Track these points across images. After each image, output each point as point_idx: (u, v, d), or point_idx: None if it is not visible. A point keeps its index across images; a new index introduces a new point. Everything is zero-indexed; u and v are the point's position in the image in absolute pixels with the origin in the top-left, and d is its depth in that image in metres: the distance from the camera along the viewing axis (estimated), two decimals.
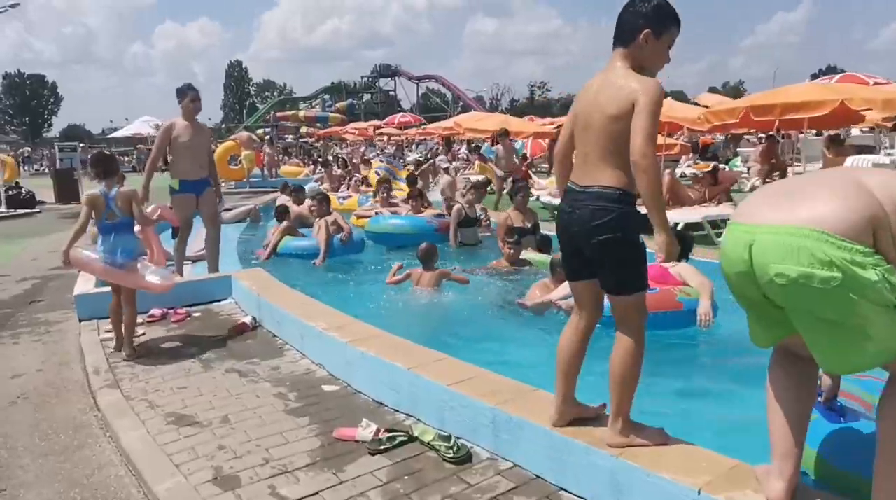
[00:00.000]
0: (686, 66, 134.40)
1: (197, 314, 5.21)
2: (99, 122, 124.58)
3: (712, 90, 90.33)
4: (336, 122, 53.75)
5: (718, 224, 7.91)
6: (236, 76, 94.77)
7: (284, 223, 8.69)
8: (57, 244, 10.28)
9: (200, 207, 6.33)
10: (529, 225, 7.51)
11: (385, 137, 35.39)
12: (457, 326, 5.12)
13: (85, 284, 5.66)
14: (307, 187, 12.47)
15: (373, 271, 7.27)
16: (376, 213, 9.46)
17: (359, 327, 3.93)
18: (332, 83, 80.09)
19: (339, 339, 3.70)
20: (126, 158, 33.63)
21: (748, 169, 13.98)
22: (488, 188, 11.61)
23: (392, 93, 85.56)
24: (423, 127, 27.40)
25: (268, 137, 20.32)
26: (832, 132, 14.33)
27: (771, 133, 13.47)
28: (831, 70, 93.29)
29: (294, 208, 9.63)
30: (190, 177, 6.29)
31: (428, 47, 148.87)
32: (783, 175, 13.71)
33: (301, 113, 62.12)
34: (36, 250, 9.44)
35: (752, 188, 13.05)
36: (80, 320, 5.09)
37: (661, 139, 11.56)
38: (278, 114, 66.71)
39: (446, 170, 14.39)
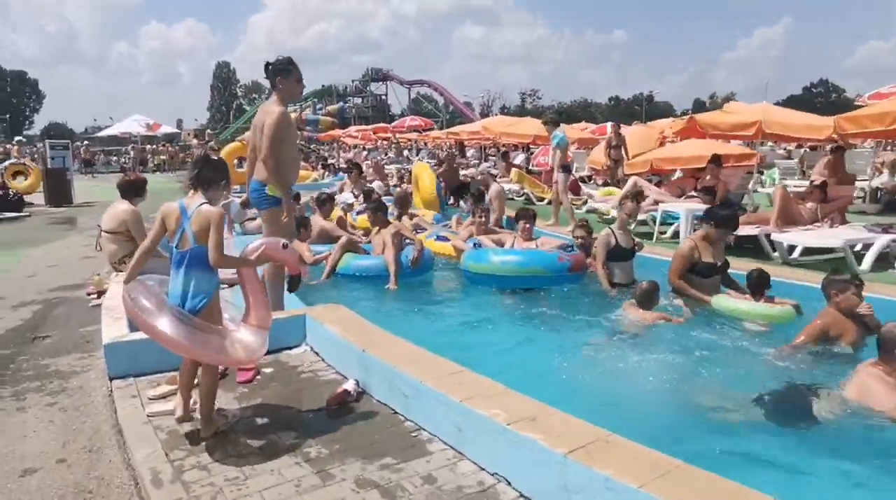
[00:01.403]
0: (669, 78, 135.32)
1: (267, 370, 3.89)
2: (82, 120, 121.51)
3: (698, 103, 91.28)
4: (327, 125, 52.46)
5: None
6: (224, 77, 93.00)
7: (345, 238, 7.35)
8: (56, 256, 9.17)
9: None
10: (717, 262, 5.53)
11: (385, 142, 34.23)
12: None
13: (114, 323, 4.29)
14: (338, 197, 11.21)
15: (458, 297, 6.28)
16: (476, 245, 6.65)
17: (554, 415, 2.64)
18: (323, 86, 78.59)
19: (537, 440, 2.41)
20: (114, 158, 32.05)
21: (811, 182, 12.87)
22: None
23: (383, 97, 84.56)
24: (442, 131, 25.99)
25: None
26: None
27: (839, 143, 12.38)
28: (822, 84, 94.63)
29: (318, 222, 8.16)
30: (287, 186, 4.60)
31: (416, 53, 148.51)
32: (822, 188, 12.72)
33: (292, 115, 60.79)
34: (32, 265, 8.04)
35: None
36: (111, 379, 3.76)
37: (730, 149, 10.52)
38: None
39: (494, 178, 12.65)
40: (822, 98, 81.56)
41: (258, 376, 3.78)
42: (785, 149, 21.26)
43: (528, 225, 6.59)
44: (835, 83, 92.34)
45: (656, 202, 9.08)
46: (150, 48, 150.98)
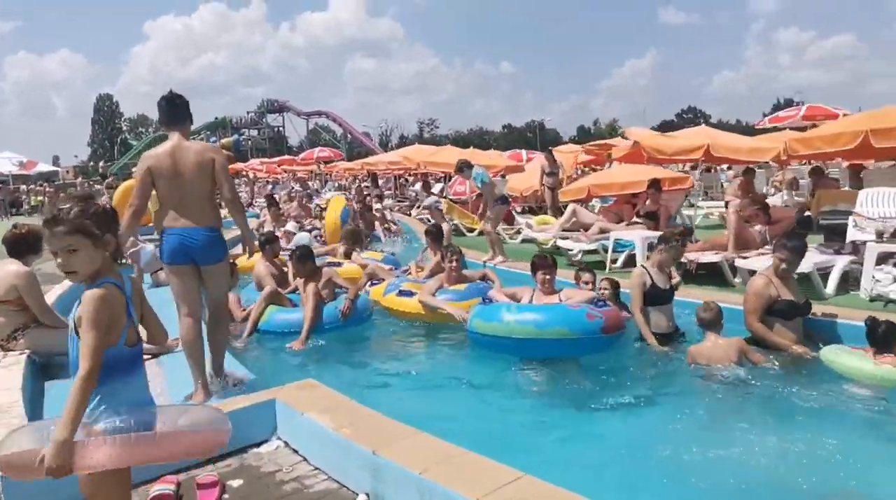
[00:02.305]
0: (552, 106, 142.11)
1: (235, 482, 2.99)
2: None
3: (583, 130, 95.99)
4: None
5: None
6: (106, 111, 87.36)
7: (268, 288, 6.47)
8: None
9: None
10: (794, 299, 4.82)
11: (289, 174, 32.91)
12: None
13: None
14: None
15: (400, 351, 5.63)
16: (486, 299, 5.45)
17: None
18: (216, 118, 75.60)
19: None
20: None
21: (726, 203, 13.21)
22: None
23: (280, 129, 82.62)
24: (355, 162, 25.08)
25: None
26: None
27: (751, 166, 12.78)
28: (692, 110, 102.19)
29: (262, 268, 7.19)
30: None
31: (309, 85, 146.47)
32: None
33: None
34: None
35: None
36: None
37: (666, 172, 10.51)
38: None
39: (441, 214, 11.69)
40: (692, 124, 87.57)
41: (225, 495, 2.89)
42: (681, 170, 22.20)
43: (548, 276, 5.26)
44: (702, 109, 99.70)
45: (602, 231, 8.79)
46: (16, 78, 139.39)
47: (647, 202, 9.44)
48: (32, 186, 27.84)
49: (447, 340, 5.79)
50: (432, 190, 16.75)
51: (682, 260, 7.21)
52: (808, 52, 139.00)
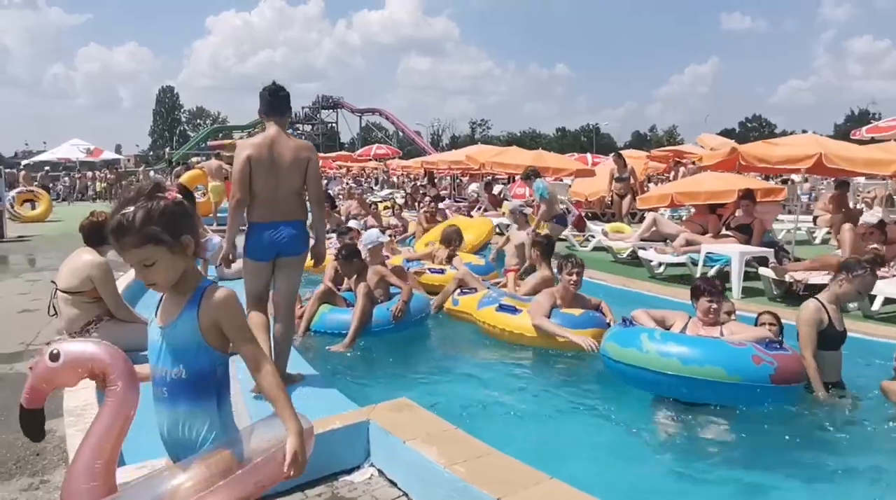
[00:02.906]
0: (606, 112, 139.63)
1: None
2: (11, 144, 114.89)
3: (638, 135, 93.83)
4: None
5: None
6: (167, 102, 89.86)
7: (322, 287, 6.15)
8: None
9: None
10: None
11: (344, 170, 32.96)
12: None
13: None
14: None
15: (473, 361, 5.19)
16: (627, 321, 4.48)
17: None
18: None
19: None
20: (51, 185, 29.59)
21: (814, 218, 12.34)
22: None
23: (333, 125, 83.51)
24: (414, 160, 24.80)
25: None
26: None
27: (845, 178, 11.89)
28: (756, 119, 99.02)
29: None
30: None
31: (362, 83, 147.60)
32: (855, 224, 12.24)
33: (238, 142, 58.89)
34: None
35: (824, 241, 11.47)
36: None
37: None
38: (211, 142, 63.36)
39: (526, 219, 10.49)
40: (756, 132, 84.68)
41: None
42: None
43: (714, 305, 4.24)
44: (766, 118, 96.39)
45: (688, 243, 8.19)
46: (87, 70, 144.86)
47: (738, 214, 8.79)
48: (98, 173, 28.55)
49: (522, 356, 5.30)
50: (493, 191, 16.29)
51: (787, 279, 6.60)
52: (881, 62, 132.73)
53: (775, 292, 6.83)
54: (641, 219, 14.75)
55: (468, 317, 5.97)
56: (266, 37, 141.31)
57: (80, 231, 4.51)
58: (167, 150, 34.20)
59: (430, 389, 4.32)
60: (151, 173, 36.73)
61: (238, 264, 8.12)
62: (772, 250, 7.34)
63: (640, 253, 8.46)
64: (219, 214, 15.42)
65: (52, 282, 4.41)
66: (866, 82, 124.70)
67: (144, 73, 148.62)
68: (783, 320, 5.83)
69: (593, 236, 11.05)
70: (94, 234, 4.45)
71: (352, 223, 12.62)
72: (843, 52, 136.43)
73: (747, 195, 8.38)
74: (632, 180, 13.35)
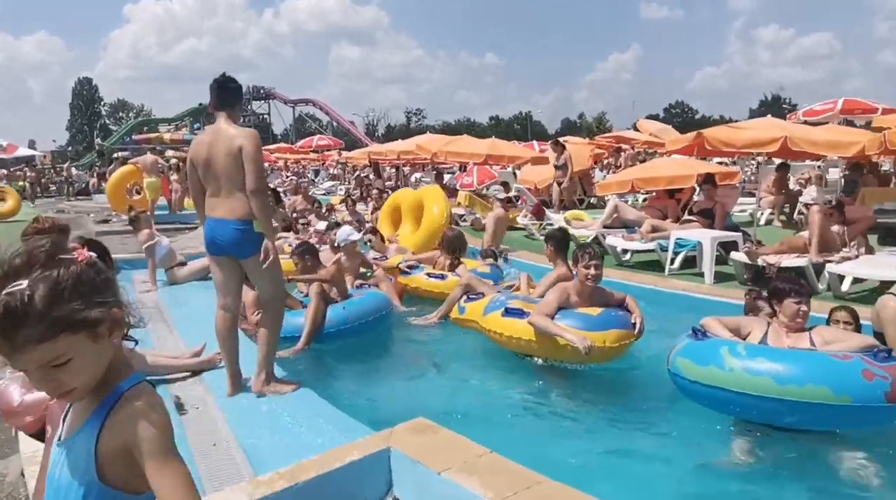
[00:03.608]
0: (535, 99, 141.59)
1: None
2: None
3: (568, 122, 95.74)
4: None
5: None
6: (85, 95, 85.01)
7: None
8: None
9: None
10: None
11: (281, 162, 31.97)
12: None
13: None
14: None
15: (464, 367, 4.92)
16: (698, 332, 3.76)
17: None
18: (200, 104, 73.70)
19: None
20: None
21: (758, 200, 12.65)
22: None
23: (265, 116, 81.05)
24: (358, 151, 24.09)
25: (174, 161, 16.49)
26: None
27: (784, 161, 12.23)
28: (679, 105, 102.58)
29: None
30: None
31: (292, 72, 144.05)
32: (793, 207, 12.64)
33: (166, 135, 56.57)
34: None
35: (767, 222, 11.78)
36: None
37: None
38: (136, 136, 60.45)
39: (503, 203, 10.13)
40: (679, 118, 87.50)
41: None
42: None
43: (803, 307, 3.60)
44: (689, 104, 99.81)
45: (654, 229, 8.17)
46: None
47: (696, 198, 8.85)
48: (14, 170, 26.56)
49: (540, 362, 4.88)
50: (443, 182, 16.01)
51: (759, 263, 6.63)
52: (787, 50, 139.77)
53: (745, 277, 6.87)
54: (588, 206, 14.90)
55: (475, 326, 5.26)
56: (189, 25, 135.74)
57: (22, 240, 3.96)
58: (97, 141, 32.33)
59: (439, 403, 3.99)
60: (74, 170, 34.60)
61: (189, 268, 7.66)
62: (740, 234, 7.39)
63: (607, 240, 8.38)
64: (156, 212, 14.57)
65: None
66: (773, 69, 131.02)
67: (56, 65, 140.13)
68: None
69: (552, 225, 10.96)
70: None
71: (320, 225, 12.00)
72: (752, 39, 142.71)
73: (708, 180, 8.42)
74: (569, 168, 13.28)
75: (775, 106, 73.68)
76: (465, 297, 5.71)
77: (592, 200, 16.00)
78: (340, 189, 23.24)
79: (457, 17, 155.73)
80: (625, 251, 8.45)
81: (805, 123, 13.96)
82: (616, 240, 8.23)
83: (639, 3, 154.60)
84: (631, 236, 8.21)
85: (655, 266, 8.01)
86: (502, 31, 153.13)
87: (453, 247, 6.95)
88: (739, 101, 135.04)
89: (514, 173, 14.56)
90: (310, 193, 16.38)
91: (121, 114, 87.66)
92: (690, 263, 7.68)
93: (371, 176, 21.26)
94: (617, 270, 7.85)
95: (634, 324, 4.54)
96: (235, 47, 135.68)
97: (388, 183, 21.34)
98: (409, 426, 2.92)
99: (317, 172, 31.84)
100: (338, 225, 7.20)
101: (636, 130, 20.92)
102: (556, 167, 13.42)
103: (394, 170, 22.60)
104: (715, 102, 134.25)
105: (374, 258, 7.37)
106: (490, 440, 2.79)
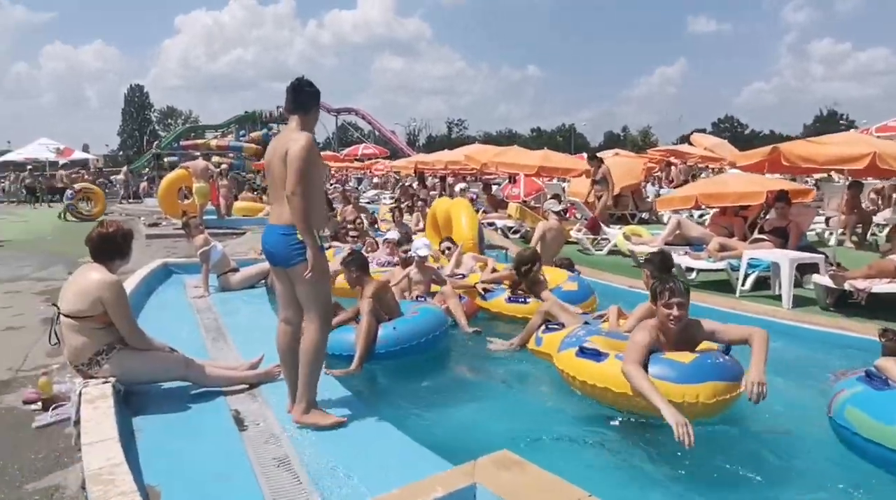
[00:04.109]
0: (577, 113, 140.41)
1: None
2: None
3: (611, 135, 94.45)
4: (251, 152, 50.18)
5: None
6: (137, 102, 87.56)
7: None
8: None
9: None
10: None
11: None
12: None
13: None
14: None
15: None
16: (873, 375, 3.30)
17: None
18: (246, 112, 75.15)
19: None
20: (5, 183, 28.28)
21: (826, 219, 12.04)
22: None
23: None
24: (404, 160, 23.97)
25: (223, 166, 16.61)
26: None
27: (858, 179, 11.60)
28: (728, 120, 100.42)
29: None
30: (318, 226, 3.59)
31: (335, 82, 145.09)
32: (866, 227, 11.99)
33: (213, 142, 57.80)
34: None
35: (839, 243, 11.16)
36: None
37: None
38: (184, 142, 61.86)
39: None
40: (728, 133, 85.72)
41: None
42: None
43: None
44: (738, 119, 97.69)
45: (723, 247, 7.74)
46: (52, 69, 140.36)
47: (769, 216, 8.38)
48: (71, 173, 27.27)
49: None
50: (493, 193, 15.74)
51: (846, 288, 6.17)
52: (842, 64, 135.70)
53: (827, 302, 6.41)
54: (640, 221, 14.45)
55: (551, 361, 4.61)
56: (237, 36, 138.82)
57: (86, 244, 3.84)
58: (155, 143, 33.17)
59: (512, 434, 3.61)
60: (121, 176, 35.43)
61: (242, 275, 7.54)
62: (822, 256, 6.93)
63: (678, 259, 7.97)
64: (204, 217, 14.64)
65: (54, 305, 3.73)
66: (826, 84, 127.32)
67: (111, 73, 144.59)
68: (849, 334, 5.46)
69: (607, 239, 10.59)
70: (104, 247, 3.79)
71: (390, 234, 11.73)
72: (804, 54, 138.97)
73: (781, 197, 7.96)
74: (609, 182, 12.85)
75: (831, 121, 71.50)
76: (544, 326, 5.12)
77: (644, 215, 15.63)
78: (384, 197, 23.18)
79: (499, 29, 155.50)
80: (689, 270, 8.04)
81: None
82: (682, 259, 7.83)
83: (686, 17, 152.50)
84: (697, 255, 7.80)
85: (722, 287, 7.59)
86: (545, 44, 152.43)
87: (523, 263, 6.18)
88: (789, 117, 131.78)
89: (563, 187, 14.15)
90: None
91: (169, 120, 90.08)
92: (762, 284, 7.25)
93: (415, 185, 21.12)
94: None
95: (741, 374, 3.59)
96: (280, 56, 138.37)
97: (431, 192, 21.22)
98: (494, 460, 2.64)
99: (360, 181, 31.96)
100: (409, 239, 6.81)
101: (690, 144, 20.33)
102: (595, 182, 13.08)
103: (438, 180, 22.43)
104: (763, 117, 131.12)
105: (452, 275, 6.97)
106: (580, 481, 2.49)
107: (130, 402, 3.80)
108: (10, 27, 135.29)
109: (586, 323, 5.07)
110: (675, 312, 3.67)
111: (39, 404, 4.08)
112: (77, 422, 3.44)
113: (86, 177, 19.56)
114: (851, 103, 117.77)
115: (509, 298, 6.22)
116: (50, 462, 3.37)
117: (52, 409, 3.97)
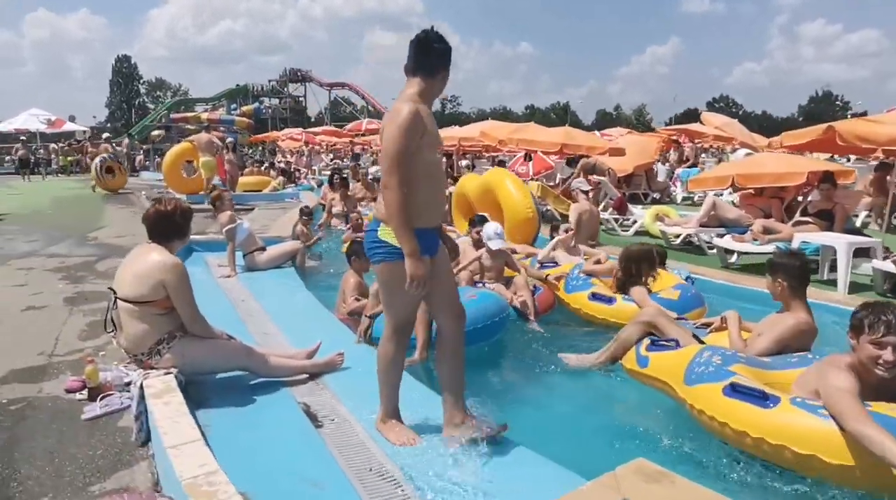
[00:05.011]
0: (569, 91, 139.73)
1: None
2: None
3: (604, 114, 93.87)
4: (242, 126, 49.39)
5: None
6: (125, 72, 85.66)
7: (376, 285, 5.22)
8: None
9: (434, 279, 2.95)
10: None
11: (322, 146, 31.58)
12: None
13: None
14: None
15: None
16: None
17: None
18: (237, 86, 74.02)
19: None
20: (7, 157, 27.47)
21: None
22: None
23: (301, 99, 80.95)
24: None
25: (229, 140, 16.08)
26: None
27: (886, 159, 11.35)
28: (723, 99, 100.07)
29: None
30: (431, 222, 2.93)
31: (326, 56, 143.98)
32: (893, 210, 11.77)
33: (203, 115, 56.85)
34: None
35: (864, 225, 10.97)
36: None
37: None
38: (174, 115, 61.02)
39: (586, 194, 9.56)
40: (723, 113, 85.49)
41: None
42: None
43: None
44: (733, 99, 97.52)
45: (766, 229, 7.49)
46: (36, 38, 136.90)
47: (811, 198, 8.15)
48: (62, 145, 26.51)
49: None
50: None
51: None
52: (832, 46, 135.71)
53: (885, 288, 6.19)
54: (653, 201, 14.17)
55: (667, 390, 3.69)
56: (226, 6, 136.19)
57: (143, 222, 3.49)
58: (127, 133, 32.48)
59: (622, 442, 3.33)
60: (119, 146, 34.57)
61: (269, 254, 7.20)
62: (879, 240, 6.69)
63: (716, 240, 7.74)
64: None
65: (110, 289, 3.38)
66: (816, 66, 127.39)
67: (97, 42, 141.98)
68: None
69: (634, 221, 10.32)
70: (164, 226, 3.44)
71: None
72: (796, 35, 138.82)
73: (827, 178, 7.70)
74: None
75: (826, 102, 71.43)
76: (647, 341, 4.17)
77: (656, 194, 15.37)
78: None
79: (491, 5, 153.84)
80: (729, 252, 7.80)
81: None
82: (725, 241, 7.57)
83: None
84: (741, 237, 7.54)
85: (762, 270, 7.36)
86: (537, 22, 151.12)
87: (631, 260, 5.35)
88: (781, 97, 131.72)
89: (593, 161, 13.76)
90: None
91: (158, 93, 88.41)
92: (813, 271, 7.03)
93: None
94: (723, 272, 7.22)
95: None
96: (270, 29, 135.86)
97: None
98: (634, 470, 2.36)
99: (357, 156, 31.39)
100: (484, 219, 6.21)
101: (701, 122, 20.00)
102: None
103: (444, 157, 22.00)
104: (754, 98, 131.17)
105: (543, 264, 6.49)
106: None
107: (190, 393, 3.49)
108: None
109: (697, 339, 4.13)
110: (889, 355, 2.77)
111: (84, 392, 3.79)
112: (138, 416, 3.14)
113: (109, 149, 18.96)
114: (841, 86, 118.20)
115: (593, 294, 5.45)
116: (110, 460, 3.09)
117: (101, 399, 3.67)
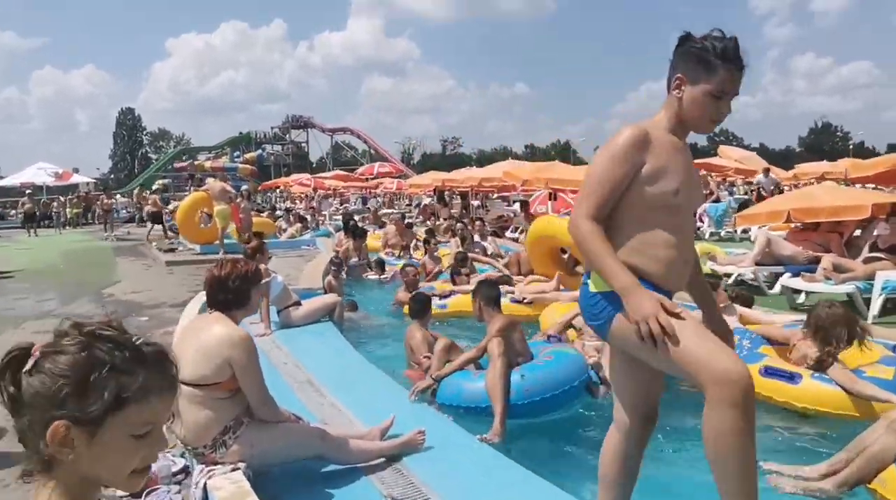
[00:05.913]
0: (567, 129, 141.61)
1: None
2: None
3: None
4: (246, 173, 49.59)
5: None
6: (128, 124, 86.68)
7: (443, 342, 4.68)
8: None
9: None
10: None
11: (332, 191, 31.36)
12: None
13: None
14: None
15: None
16: None
17: None
18: (241, 133, 74.82)
19: None
20: (13, 211, 27.18)
21: None
22: None
23: (303, 145, 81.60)
24: (423, 176, 22.88)
25: (244, 188, 15.71)
26: None
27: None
28: (724, 133, 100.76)
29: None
30: (672, 281, 2.14)
31: (325, 103, 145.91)
32: None
33: (207, 163, 57.17)
34: None
35: None
36: None
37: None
38: (177, 165, 61.44)
39: None
40: (724, 145, 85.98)
41: None
42: None
43: None
44: (733, 132, 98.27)
45: (835, 267, 6.98)
46: (41, 94, 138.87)
47: (878, 232, 7.66)
48: (71, 197, 26.21)
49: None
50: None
51: None
52: (824, 79, 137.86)
53: None
54: None
55: None
56: (228, 58, 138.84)
57: (205, 287, 2.97)
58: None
59: None
60: (118, 197, 34.37)
61: (306, 309, 6.67)
62: None
63: (786, 280, 7.21)
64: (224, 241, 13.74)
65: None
66: (810, 98, 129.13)
67: (103, 96, 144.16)
68: None
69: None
70: (219, 295, 2.91)
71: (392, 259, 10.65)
72: (788, 69, 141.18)
73: None
74: None
75: (825, 133, 71.80)
76: None
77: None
78: (394, 214, 22.40)
79: (487, 49, 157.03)
80: (796, 292, 7.27)
81: None
82: (795, 281, 7.05)
83: (670, 34, 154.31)
84: (811, 277, 7.02)
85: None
86: (532, 63, 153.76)
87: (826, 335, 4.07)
88: (775, 132, 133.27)
89: None
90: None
91: (161, 143, 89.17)
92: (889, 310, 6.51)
93: (437, 204, 20.32)
94: (793, 314, 6.68)
95: None
96: (270, 79, 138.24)
97: (452, 212, 20.35)
98: None
99: (364, 200, 31.10)
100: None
101: (717, 156, 19.75)
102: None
103: (457, 198, 21.68)
104: (750, 131, 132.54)
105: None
106: None
107: (257, 489, 2.93)
108: (1, 53, 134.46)
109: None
110: None
111: None
112: None
113: (157, 199, 18.74)
114: (836, 117, 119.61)
115: (767, 369, 4.19)
116: None
117: (145, 496, 3.10)
